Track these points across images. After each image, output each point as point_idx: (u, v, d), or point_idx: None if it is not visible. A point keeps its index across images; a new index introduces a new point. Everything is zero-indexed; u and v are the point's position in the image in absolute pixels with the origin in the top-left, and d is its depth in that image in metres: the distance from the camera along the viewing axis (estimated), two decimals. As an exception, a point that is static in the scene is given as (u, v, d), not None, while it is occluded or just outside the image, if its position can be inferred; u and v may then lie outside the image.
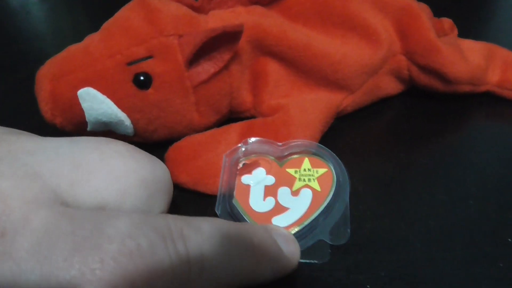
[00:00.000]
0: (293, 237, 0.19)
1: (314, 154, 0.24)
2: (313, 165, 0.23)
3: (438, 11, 0.36)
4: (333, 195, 0.22)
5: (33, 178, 0.16)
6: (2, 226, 0.14)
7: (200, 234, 0.16)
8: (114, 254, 0.14)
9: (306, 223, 0.21)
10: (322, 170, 0.23)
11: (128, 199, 0.18)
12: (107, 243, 0.14)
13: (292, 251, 0.19)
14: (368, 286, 0.21)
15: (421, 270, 0.22)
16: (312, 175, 0.23)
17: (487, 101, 0.35)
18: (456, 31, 0.38)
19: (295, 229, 0.21)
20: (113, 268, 0.14)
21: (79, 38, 0.28)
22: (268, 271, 0.18)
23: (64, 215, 0.15)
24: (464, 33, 0.37)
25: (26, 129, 0.21)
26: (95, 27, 0.28)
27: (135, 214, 0.16)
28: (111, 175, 0.18)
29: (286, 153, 0.25)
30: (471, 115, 0.34)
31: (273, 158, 0.25)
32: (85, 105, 0.25)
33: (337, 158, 0.24)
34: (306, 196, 0.22)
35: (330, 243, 0.21)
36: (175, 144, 0.27)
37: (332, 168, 0.24)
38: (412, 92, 0.35)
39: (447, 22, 0.38)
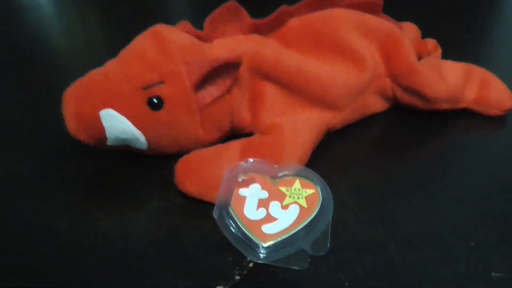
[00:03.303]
0: None
1: (305, 177, 0.28)
2: (303, 186, 0.27)
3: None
4: (317, 212, 0.26)
5: None
6: None
7: None
8: None
9: (291, 232, 0.25)
10: (310, 191, 0.27)
11: None
12: None
13: None
14: (346, 284, 0.25)
15: (394, 269, 0.26)
16: (301, 194, 0.27)
17: (464, 116, 0.38)
18: (439, 50, 0.41)
19: (282, 237, 0.25)
20: None
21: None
22: None
23: None
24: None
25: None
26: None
27: None
28: None
29: (280, 174, 0.28)
30: (450, 130, 0.37)
31: (268, 176, 0.28)
32: (106, 124, 0.29)
33: (325, 183, 0.27)
34: (293, 211, 0.26)
35: (311, 253, 0.25)
36: (184, 158, 0.31)
37: (319, 190, 0.27)
38: (397, 108, 0.38)
39: (430, 42, 0.41)
